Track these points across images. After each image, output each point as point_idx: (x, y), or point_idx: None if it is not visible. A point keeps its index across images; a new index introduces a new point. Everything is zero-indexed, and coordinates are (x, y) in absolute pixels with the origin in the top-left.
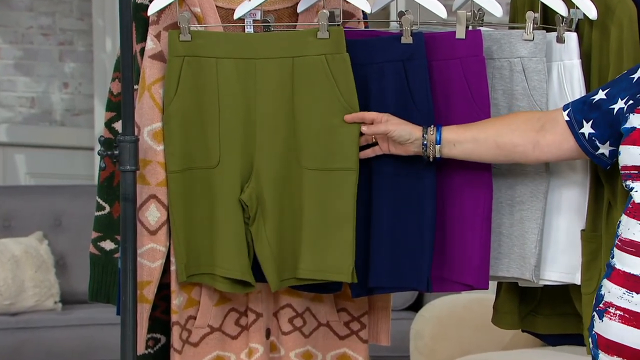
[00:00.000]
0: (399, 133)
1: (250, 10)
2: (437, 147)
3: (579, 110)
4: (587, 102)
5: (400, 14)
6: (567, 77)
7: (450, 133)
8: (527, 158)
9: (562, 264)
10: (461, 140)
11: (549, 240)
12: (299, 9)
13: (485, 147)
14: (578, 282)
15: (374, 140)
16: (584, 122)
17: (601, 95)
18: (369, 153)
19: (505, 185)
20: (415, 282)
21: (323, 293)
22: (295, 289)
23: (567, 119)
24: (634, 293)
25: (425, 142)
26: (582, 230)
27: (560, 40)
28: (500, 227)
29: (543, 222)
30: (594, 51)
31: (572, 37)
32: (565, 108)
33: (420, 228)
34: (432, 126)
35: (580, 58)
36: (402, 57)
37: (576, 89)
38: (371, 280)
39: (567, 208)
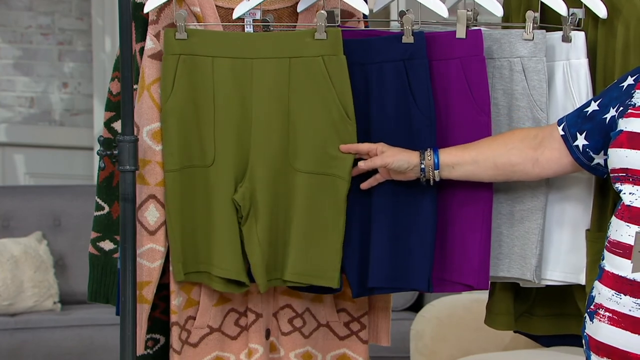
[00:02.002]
0: (396, 164)
1: (250, 10)
2: (436, 171)
3: (573, 124)
4: (580, 114)
5: (402, 14)
6: (574, 76)
7: (448, 156)
8: (528, 175)
9: (566, 264)
10: (460, 163)
11: (554, 240)
12: (299, 8)
13: (484, 168)
14: (583, 282)
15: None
16: (578, 135)
17: (594, 106)
18: (371, 182)
19: (505, 185)
20: (415, 282)
21: (321, 293)
22: (294, 290)
23: (562, 133)
24: (622, 295)
25: (423, 167)
26: (587, 230)
27: (567, 39)
28: (500, 228)
29: (544, 222)
30: (599, 50)
31: (579, 36)
32: (559, 122)
33: (421, 228)
34: (429, 150)
35: (588, 57)
36: (403, 56)
37: (582, 88)
38: (371, 281)
39: (573, 208)
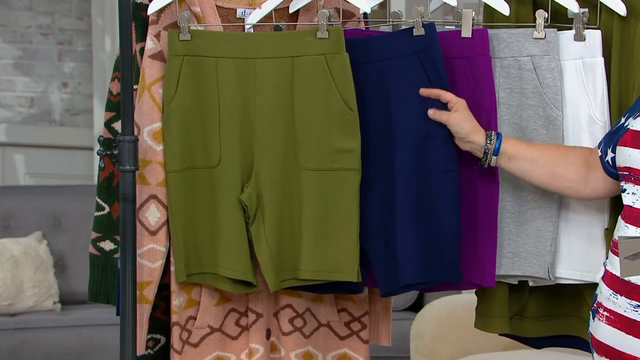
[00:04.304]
0: (455, 129)
1: (249, 10)
2: (494, 157)
3: (606, 142)
4: (611, 131)
5: (394, 15)
6: (589, 75)
7: (510, 147)
8: (580, 195)
9: (583, 263)
10: (518, 157)
11: (569, 239)
12: (291, 9)
13: (540, 173)
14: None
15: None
16: (608, 151)
17: (622, 121)
18: (439, 115)
19: (514, 184)
20: (447, 275)
21: (329, 293)
22: (302, 291)
23: (599, 153)
24: (618, 295)
25: (487, 149)
26: (606, 229)
27: (580, 38)
28: (510, 227)
29: (558, 219)
30: (615, 49)
31: (595, 35)
32: (599, 143)
33: (448, 221)
34: (494, 133)
35: (604, 55)
36: (416, 49)
37: (598, 87)
38: (402, 278)
39: (588, 206)
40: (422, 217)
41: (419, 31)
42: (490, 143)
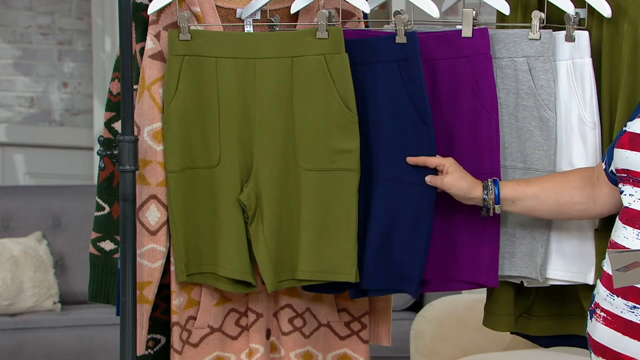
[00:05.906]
0: (454, 192)
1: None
2: (497, 205)
3: (609, 154)
4: (614, 141)
5: (396, 14)
6: (578, 76)
7: (510, 191)
8: (590, 214)
9: (574, 264)
10: (521, 198)
11: (561, 240)
12: (293, 9)
13: (546, 206)
14: (590, 282)
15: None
16: (612, 162)
17: (624, 129)
18: (437, 183)
19: None
20: (405, 285)
21: (329, 293)
22: (303, 290)
23: (604, 166)
24: (615, 296)
25: (485, 201)
26: (596, 230)
27: (570, 39)
28: (506, 227)
29: (551, 221)
30: (604, 51)
31: (583, 36)
32: (603, 157)
33: (415, 234)
34: (490, 182)
35: (592, 57)
36: (397, 57)
37: (587, 88)
38: (364, 283)
39: None
40: (392, 227)
41: (401, 39)
42: (488, 195)
